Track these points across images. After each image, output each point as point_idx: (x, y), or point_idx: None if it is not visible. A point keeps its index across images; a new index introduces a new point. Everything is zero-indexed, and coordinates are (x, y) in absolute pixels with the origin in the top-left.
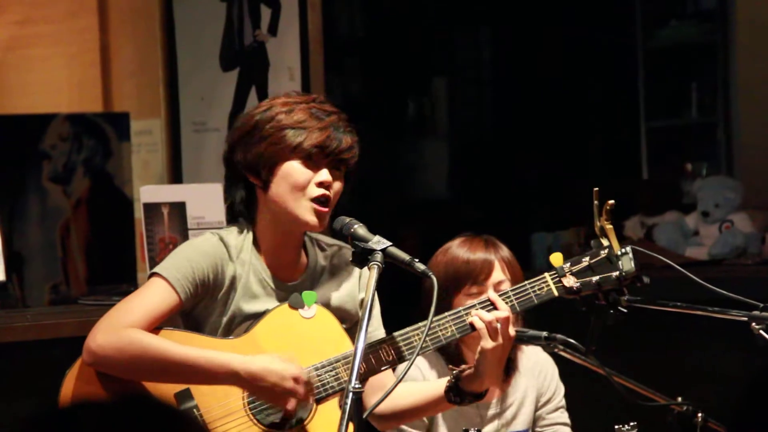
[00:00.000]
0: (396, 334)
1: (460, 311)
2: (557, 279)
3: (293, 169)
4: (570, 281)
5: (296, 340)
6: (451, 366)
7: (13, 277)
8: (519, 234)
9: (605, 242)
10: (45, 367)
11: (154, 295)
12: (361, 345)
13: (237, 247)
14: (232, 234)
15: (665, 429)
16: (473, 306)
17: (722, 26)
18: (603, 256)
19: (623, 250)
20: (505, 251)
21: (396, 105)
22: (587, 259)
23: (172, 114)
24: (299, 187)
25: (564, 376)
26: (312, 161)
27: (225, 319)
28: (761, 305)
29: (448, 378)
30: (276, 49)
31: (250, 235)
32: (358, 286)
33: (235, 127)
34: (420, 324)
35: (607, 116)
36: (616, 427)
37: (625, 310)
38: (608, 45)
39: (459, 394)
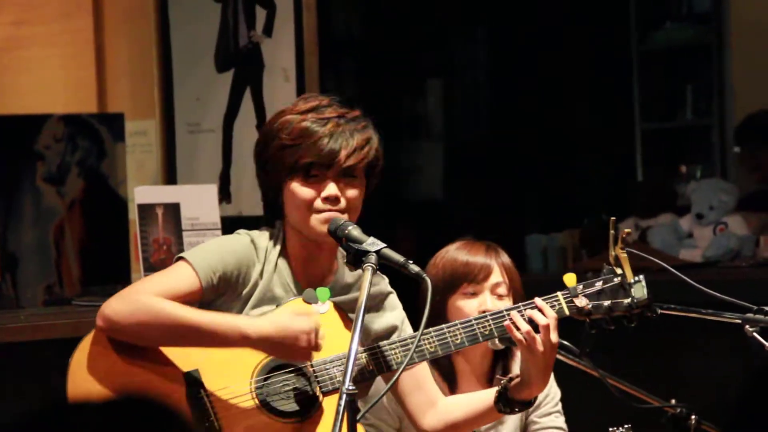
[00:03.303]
0: (406, 336)
1: (471, 320)
2: (569, 299)
3: (296, 189)
4: (582, 302)
5: None
6: (499, 375)
7: (7, 277)
8: (513, 236)
9: (619, 270)
10: (38, 367)
11: (175, 275)
12: (354, 346)
13: (266, 250)
14: (263, 237)
15: (660, 431)
16: (484, 316)
17: (717, 28)
18: (616, 282)
19: (636, 278)
20: (505, 257)
21: (391, 106)
22: (600, 283)
23: (166, 115)
24: (305, 205)
25: (558, 378)
26: (313, 176)
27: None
28: (755, 308)
29: (497, 388)
30: (271, 50)
31: (281, 240)
32: (382, 314)
33: (256, 142)
34: (431, 329)
35: (602, 118)
36: (611, 429)
37: None
38: (603, 47)
39: (508, 403)
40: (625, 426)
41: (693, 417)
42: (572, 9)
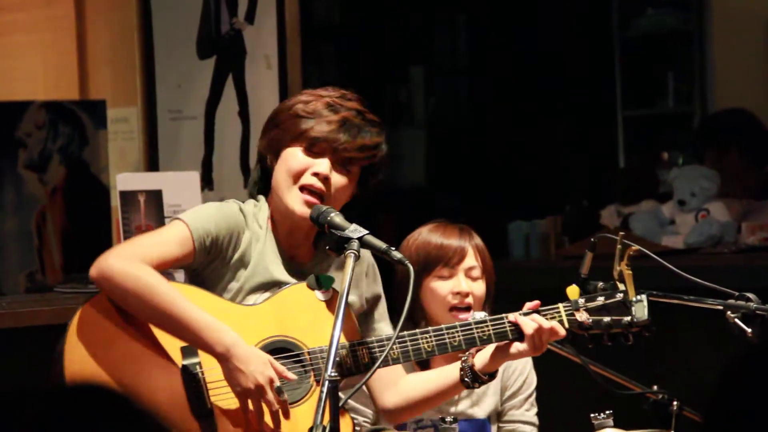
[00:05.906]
0: (404, 333)
1: (459, 325)
2: (570, 312)
3: (292, 155)
4: (583, 316)
5: (307, 320)
6: (461, 352)
7: None
8: (496, 223)
9: (622, 287)
10: (20, 355)
11: (172, 237)
12: (337, 333)
13: (254, 218)
14: (249, 205)
15: (641, 417)
16: (484, 321)
17: (698, 15)
18: (618, 299)
19: (638, 298)
20: (478, 240)
21: (373, 93)
22: (602, 299)
23: (148, 102)
24: (294, 173)
25: (541, 364)
26: (314, 152)
27: (234, 286)
28: (736, 294)
29: (460, 363)
30: (253, 37)
31: (267, 210)
32: (364, 280)
33: (274, 110)
34: (430, 328)
35: (584, 105)
36: (592, 415)
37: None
38: (585, 33)
39: (476, 378)
40: (607, 412)
41: (675, 403)
42: None
